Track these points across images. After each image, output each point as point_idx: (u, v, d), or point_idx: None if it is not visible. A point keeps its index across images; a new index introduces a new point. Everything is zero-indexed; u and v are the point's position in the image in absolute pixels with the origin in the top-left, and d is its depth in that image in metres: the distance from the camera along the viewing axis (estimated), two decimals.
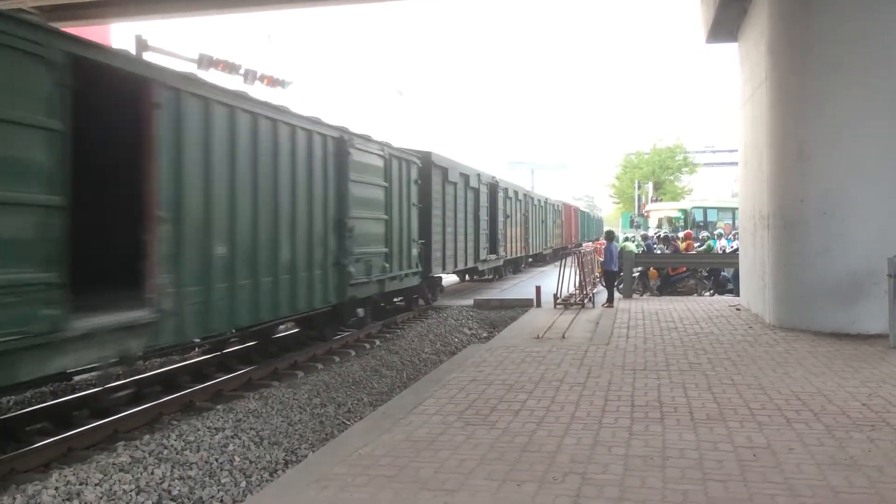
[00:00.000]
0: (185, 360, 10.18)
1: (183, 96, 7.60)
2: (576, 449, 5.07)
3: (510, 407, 6.30)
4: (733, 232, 23.56)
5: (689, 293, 18.01)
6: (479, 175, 21.27)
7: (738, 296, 14.80)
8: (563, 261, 16.31)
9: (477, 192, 20.78)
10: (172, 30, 79.15)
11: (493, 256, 22.73)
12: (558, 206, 40.18)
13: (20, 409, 7.84)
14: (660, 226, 32.03)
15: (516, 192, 27.18)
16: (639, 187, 50.63)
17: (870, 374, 7.42)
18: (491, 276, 24.82)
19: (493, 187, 23.11)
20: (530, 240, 30.26)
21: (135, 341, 7.02)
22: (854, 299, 9.98)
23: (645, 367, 8.00)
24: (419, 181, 15.43)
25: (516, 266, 28.57)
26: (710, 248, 20.15)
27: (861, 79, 10.02)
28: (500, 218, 23.72)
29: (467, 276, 24.36)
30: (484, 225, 21.53)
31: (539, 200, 32.97)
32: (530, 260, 32.76)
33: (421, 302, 16.87)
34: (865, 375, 7.38)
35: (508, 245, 25.24)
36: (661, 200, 45.48)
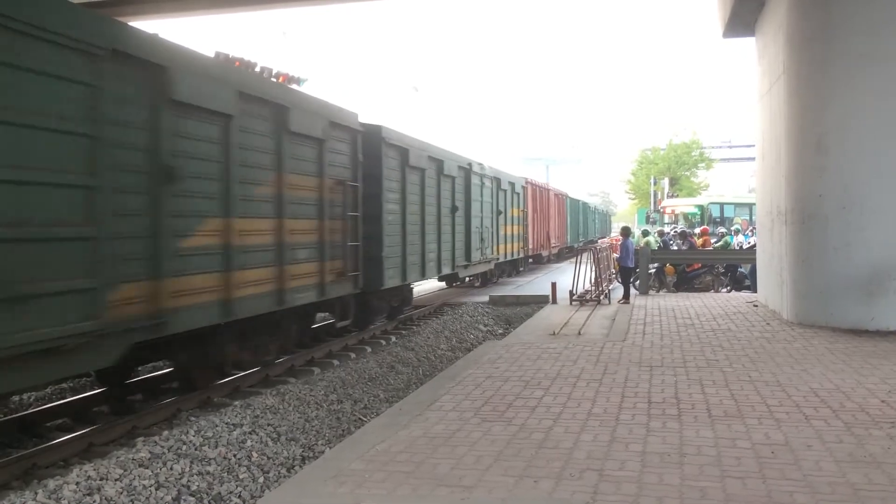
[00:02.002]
0: None
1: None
2: (593, 445, 5.06)
3: (527, 403, 6.30)
4: (751, 228, 23.43)
5: (706, 289, 17.91)
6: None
7: (756, 292, 14.71)
8: (579, 257, 16.27)
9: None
10: (188, 28, 79.71)
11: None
12: (512, 185, 22.80)
13: (41, 405, 7.96)
14: (675, 221, 31.90)
15: (327, 125, 10.08)
16: (654, 183, 50.47)
17: (889, 371, 7.35)
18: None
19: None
20: (410, 253, 13.53)
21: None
22: (873, 295, 9.87)
23: (662, 364, 7.97)
24: None
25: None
26: (727, 244, 20.06)
27: (882, 70, 9.89)
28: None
29: None
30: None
31: (448, 166, 15.74)
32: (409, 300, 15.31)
33: None
34: (885, 372, 7.31)
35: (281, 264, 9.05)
36: (678, 196, 45.34)
